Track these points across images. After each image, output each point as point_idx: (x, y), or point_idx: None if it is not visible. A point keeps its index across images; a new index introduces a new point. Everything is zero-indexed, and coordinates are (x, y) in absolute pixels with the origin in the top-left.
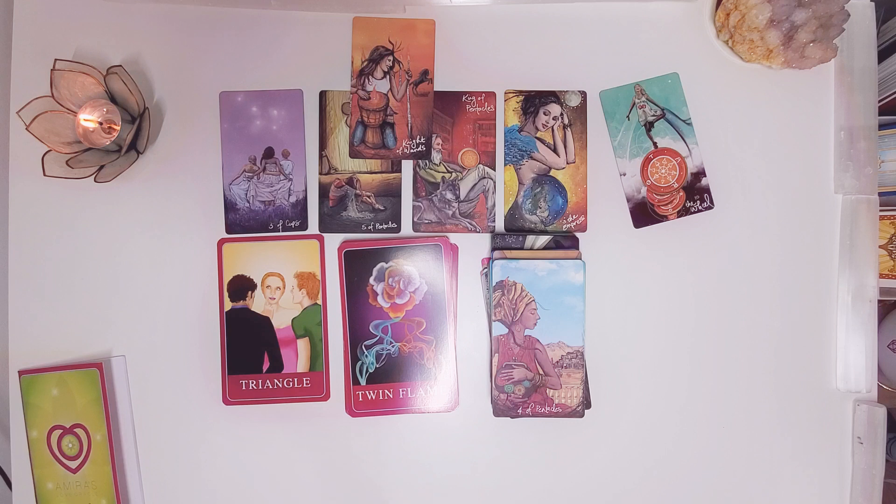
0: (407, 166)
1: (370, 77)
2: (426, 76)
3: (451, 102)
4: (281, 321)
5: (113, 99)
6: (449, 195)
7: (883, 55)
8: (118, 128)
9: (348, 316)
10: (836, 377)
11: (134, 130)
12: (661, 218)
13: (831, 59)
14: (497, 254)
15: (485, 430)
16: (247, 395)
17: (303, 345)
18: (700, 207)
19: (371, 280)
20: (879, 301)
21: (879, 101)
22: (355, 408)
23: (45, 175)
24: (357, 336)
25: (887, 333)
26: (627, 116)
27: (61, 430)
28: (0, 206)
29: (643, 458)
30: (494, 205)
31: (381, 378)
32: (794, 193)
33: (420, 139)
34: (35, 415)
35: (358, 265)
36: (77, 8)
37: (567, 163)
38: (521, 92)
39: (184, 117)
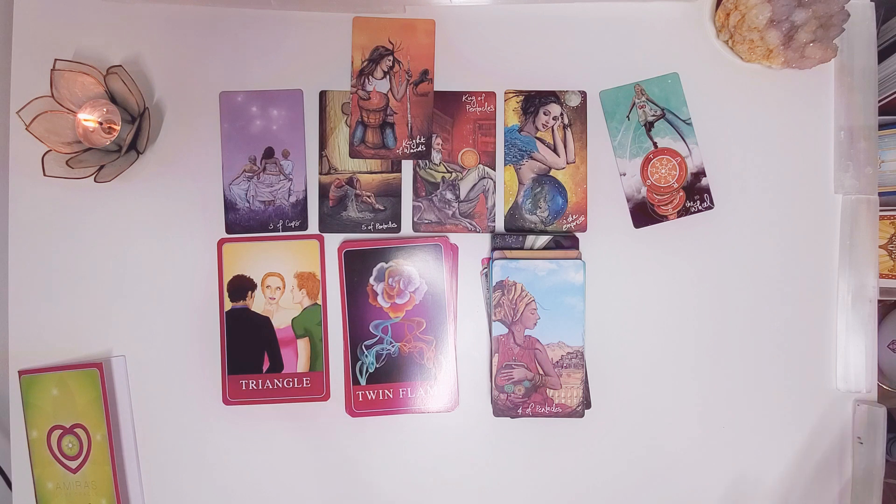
0: (407, 166)
1: (370, 77)
2: (426, 76)
3: (451, 102)
4: (281, 321)
5: (113, 99)
6: (449, 195)
7: (883, 55)
8: (118, 128)
9: (348, 316)
10: (836, 377)
11: (134, 130)
12: (661, 218)
13: (831, 59)
14: (497, 254)
15: (485, 430)
16: (247, 395)
17: (303, 345)
18: (700, 207)
19: (371, 280)
20: (879, 301)
21: (879, 101)
22: (355, 408)
23: (45, 175)
24: (357, 336)
25: (887, 333)
26: (627, 116)
27: (61, 430)
28: (0, 206)
29: (643, 458)
30: (494, 205)
31: (381, 378)
32: (794, 193)
33: (420, 139)
34: (35, 415)
35: (358, 265)
36: (77, 8)
37: (567, 163)
38: (521, 92)
39: (184, 117)
